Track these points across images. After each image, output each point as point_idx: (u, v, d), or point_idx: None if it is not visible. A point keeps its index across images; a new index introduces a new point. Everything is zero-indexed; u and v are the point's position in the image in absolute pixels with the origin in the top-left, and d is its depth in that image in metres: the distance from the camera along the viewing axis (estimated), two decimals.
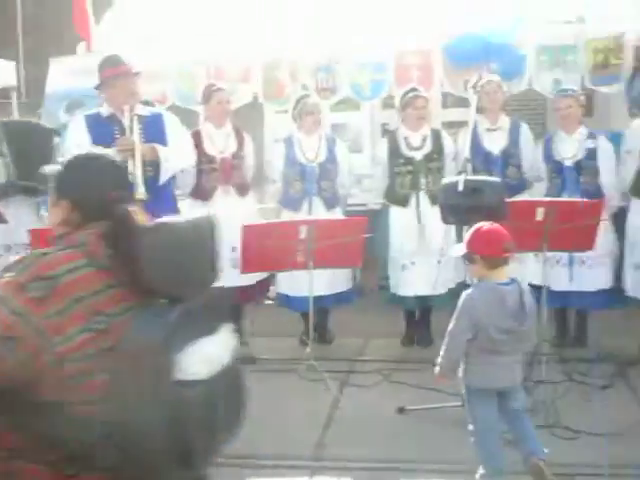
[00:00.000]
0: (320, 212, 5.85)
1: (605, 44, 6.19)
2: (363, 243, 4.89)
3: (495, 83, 5.77)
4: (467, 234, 3.71)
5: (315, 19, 6.36)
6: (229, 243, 5.76)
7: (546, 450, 3.70)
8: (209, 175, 5.88)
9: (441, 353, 3.67)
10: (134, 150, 5.02)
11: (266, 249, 4.70)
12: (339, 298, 6.03)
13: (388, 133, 6.47)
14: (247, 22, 6.51)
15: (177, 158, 5.31)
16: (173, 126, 5.40)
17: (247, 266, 4.82)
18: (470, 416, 3.71)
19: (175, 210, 5.58)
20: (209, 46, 6.49)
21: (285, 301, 6.06)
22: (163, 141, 5.25)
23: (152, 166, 5.19)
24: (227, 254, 5.80)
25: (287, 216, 5.92)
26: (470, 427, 3.70)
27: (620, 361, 5.41)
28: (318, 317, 6.15)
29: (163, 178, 5.26)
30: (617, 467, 4.03)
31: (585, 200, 5.28)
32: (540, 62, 6.24)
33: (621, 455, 4.12)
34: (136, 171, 4.94)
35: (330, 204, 5.94)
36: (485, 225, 3.63)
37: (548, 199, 5.27)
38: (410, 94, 5.83)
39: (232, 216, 5.72)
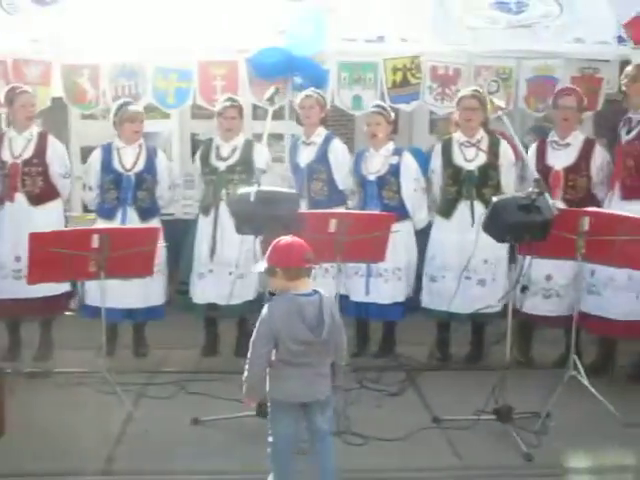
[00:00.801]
0: (134, 222, 5.73)
1: (404, 63, 6.44)
2: (155, 253, 4.83)
3: (313, 98, 5.85)
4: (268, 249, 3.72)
5: (118, 22, 6.21)
6: (13, 252, 5.61)
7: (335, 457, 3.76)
8: (3, 181, 5.70)
9: (246, 366, 3.65)
10: None
11: (55, 259, 4.50)
12: (151, 312, 5.93)
13: (204, 142, 6.38)
14: (47, 22, 6.29)
15: None
16: None
17: (33, 276, 4.60)
18: (271, 428, 3.71)
19: None
20: (6, 45, 6.19)
21: (94, 312, 5.83)
22: None
23: None
24: (10, 264, 5.65)
25: (101, 225, 5.70)
26: (269, 439, 3.70)
27: (410, 369, 5.65)
28: (134, 330, 6.06)
29: None
30: (402, 471, 4.21)
31: (375, 213, 5.46)
32: (341, 78, 6.41)
33: (406, 459, 4.29)
34: None
35: (146, 215, 5.81)
36: (284, 238, 3.67)
37: (340, 211, 5.44)
38: (224, 103, 5.80)
39: (19, 225, 5.58)
